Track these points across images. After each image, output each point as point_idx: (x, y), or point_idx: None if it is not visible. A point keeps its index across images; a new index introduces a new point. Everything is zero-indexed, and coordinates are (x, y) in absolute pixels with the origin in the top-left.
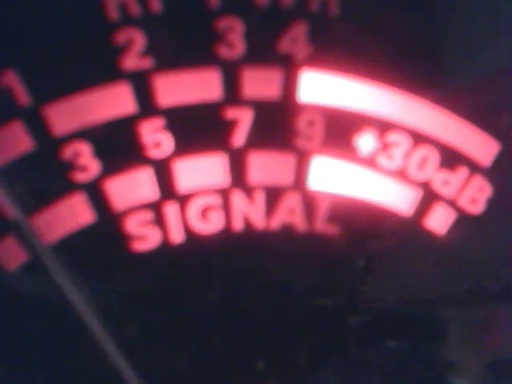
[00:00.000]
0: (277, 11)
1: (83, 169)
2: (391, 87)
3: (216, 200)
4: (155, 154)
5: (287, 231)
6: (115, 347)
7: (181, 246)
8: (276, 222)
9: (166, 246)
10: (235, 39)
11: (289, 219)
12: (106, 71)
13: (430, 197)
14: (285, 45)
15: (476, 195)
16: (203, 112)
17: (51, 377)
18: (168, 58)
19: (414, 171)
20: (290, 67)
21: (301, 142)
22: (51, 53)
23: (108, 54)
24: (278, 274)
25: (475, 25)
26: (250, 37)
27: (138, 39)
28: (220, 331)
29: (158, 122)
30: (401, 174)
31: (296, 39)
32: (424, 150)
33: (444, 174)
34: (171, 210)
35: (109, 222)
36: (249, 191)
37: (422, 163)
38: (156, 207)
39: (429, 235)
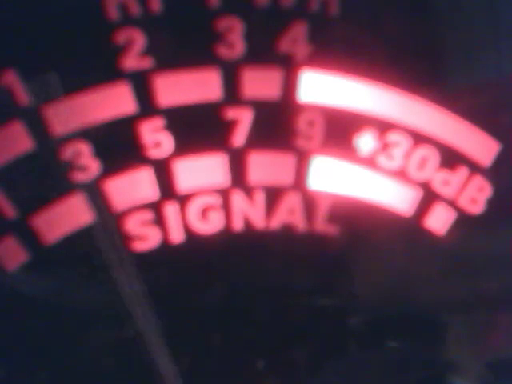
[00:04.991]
0: (277, 11)
1: (83, 169)
2: (391, 87)
3: (216, 200)
4: (155, 153)
5: (287, 231)
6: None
7: (181, 246)
8: (276, 222)
9: (165, 246)
10: (235, 39)
11: (289, 219)
12: (106, 71)
13: (429, 197)
14: (285, 45)
15: (476, 195)
16: (203, 112)
17: (51, 377)
18: (168, 58)
19: (414, 171)
20: (290, 67)
21: (301, 142)
22: (51, 53)
23: (108, 54)
24: (278, 273)
25: (475, 25)
26: (249, 37)
27: (138, 39)
28: (220, 331)
29: (158, 122)
30: (401, 174)
31: (296, 39)
32: (424, 150)
33: (444, 174)
34: (171, 209)
35: (109, 222)
36: (249, 191)
37: (422, 163)
38: (156, 207)
39: (429, 235)
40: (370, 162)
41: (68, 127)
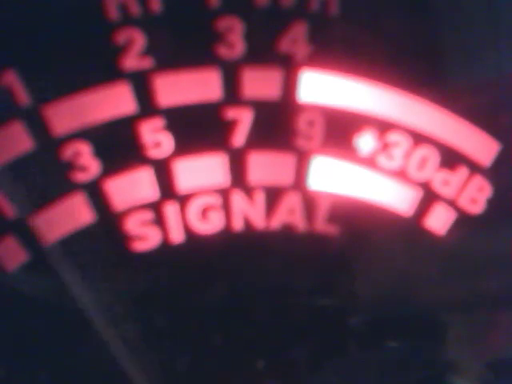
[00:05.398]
0: (277, 11)
1: (83, 169)
2: (391, 87)
3: (216, 200)
4: (155, 153)
5: (287, 231)
6: (116, 347)
7: (181, 246)
8: (276, 222)
9: (165, 246)
10: (235, 39)
11: (289, 219)
12: (106, 71)
13: (430, 197)
14: (285, 45)
15: (476, 195)
16: (203, 112)
17: (51, 377)
18: (168, 57)
19: (414, 171)
20: (290, 67)
21: (301, 142)
22: (51, 53)
23: (108, 54)
24: (278, 273)
25: (475, 25)
26: (249, 37)
27: (138, 39)
28: (220, 331)
29: (158, 122)
30: (401, 174)
31: (296, 39)
32: (424, 150)
33: (444, 174)
34: (171, 209)
35: (109, 221)
36: (249, 191)
37: (422, 163)
38: (156, 207)
39: (429, 235)
40: (370, 162)
41: (68, 127)
